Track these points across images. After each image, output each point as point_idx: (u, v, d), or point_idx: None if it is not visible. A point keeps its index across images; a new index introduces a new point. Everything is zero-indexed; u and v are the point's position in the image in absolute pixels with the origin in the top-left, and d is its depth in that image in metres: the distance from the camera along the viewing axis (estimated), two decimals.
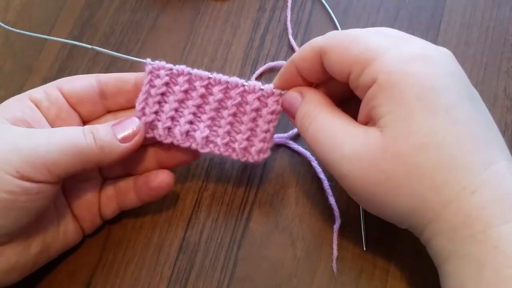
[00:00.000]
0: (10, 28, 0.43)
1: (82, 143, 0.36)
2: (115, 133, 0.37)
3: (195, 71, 0.40)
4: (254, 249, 0.42)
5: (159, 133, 0.40)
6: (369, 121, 0.35)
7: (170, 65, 0.40)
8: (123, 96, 0.41)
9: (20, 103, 0.38)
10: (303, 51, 0.37)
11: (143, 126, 0.39)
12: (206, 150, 0.40)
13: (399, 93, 0.32)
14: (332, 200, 0.43)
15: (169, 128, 0.40)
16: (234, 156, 0.40)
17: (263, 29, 0.51)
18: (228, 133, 0.40)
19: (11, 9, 0.54)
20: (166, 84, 0.40)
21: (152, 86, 0.40)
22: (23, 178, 0.33)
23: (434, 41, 0.37)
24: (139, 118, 0.40)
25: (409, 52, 0.33)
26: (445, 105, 0.31)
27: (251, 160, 0.40)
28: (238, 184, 0.45)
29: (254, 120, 0.40)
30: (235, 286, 0.41)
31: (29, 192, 0.34)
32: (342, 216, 0.43)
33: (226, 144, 0.40)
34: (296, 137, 0.46)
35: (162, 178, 0.41)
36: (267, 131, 0.40)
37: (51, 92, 0.40)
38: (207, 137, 0.40)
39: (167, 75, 0.40)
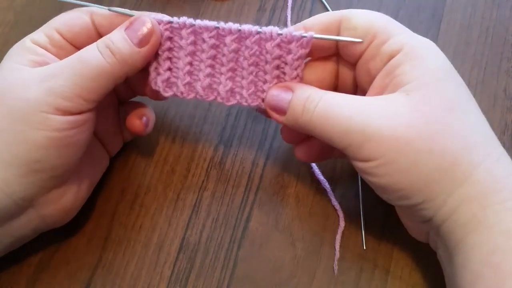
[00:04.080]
0: None
1: (103, 65, 0.35)
2: (131, 39, 0.36)
3: (198, 22, 0.38)
4: (254, 249, 0.42)
5: (180, 90, 0.39)
6: (384, 92, 0.35)
7: (167, 18, 0.38)
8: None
9: (29, 48, 0.37)
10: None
11: (156, 23, 0.37)
12: (233, 102, 0.39)
13: (425, 64, 0.34)
14: (335, 202, 0.43)
15: (189, 84, 0.39)
16: (263, 106, 0.38)
17: None
18: (253, 82, 0.38)
19: (11, 9, 0.54)
20: (169, 38, 0.38)
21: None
22: (65, 113, 0.35)
23: (434, 41, 0.37)
24: (155, 82, 0.39)
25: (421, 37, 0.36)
26: (461, 81, 0.35)
27: None
28: (238, 184, 0.45)
29: (278, 67, 0.38)
30: (235, 286, 0.41)
31: (75, 124, 0.35)
32: (342, 216, 0.43)
33: (253, 94, 0.38)
34: None
35: None
36: (296, 77, 0.38)
37: (52, 35, 0.38)
38: (231, 89, 0.39)
39: (166, 29, 0.38)
